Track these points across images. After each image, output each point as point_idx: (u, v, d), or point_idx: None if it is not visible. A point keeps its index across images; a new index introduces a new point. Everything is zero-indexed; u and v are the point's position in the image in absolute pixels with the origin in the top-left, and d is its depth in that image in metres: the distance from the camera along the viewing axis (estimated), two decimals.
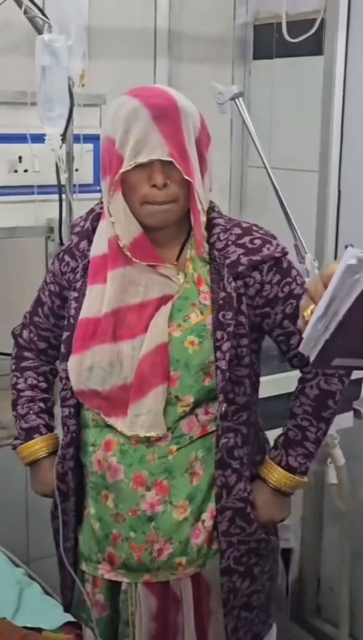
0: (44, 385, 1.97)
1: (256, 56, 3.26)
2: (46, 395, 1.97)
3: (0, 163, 2.34)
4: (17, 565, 2.01)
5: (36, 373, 1.97)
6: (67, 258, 1.85)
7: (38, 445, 1.92)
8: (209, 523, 1.79)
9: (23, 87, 2.26)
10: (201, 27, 3.17)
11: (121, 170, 1.64)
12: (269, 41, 3.14)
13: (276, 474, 1.83)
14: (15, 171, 2.35)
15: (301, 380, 1.86)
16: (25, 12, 2.12)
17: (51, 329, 1.93)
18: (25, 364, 1.98)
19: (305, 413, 1.83)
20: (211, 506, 1.79)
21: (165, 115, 1.63)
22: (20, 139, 2.26)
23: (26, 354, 1.99)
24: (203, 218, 1.74)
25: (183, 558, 1.78)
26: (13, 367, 2.00)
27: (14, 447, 1.97)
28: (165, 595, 1.82)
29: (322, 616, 3.23)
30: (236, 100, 2.58)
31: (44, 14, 2.16)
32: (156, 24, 3.06)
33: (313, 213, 2.99)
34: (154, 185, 1.66)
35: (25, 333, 1.99)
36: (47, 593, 1.92)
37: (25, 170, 2.35)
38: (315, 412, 1.83)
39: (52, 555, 1.97)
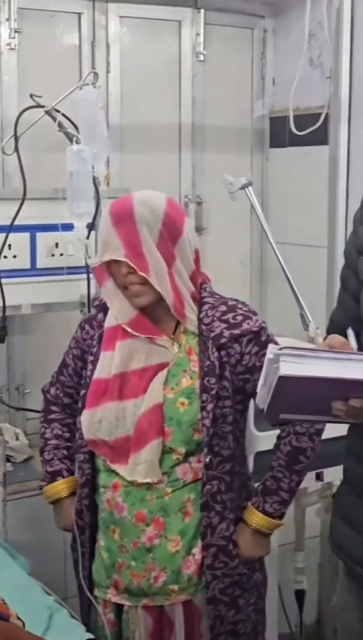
0: (67, 435, 2.27)
1: (272, 145, 3.57)
2: (68, 444, 2.27)
3: (41, 248, 2.70)
4: (49, 594, 2.30)
5: (61, 424, 2.28)
6: (87, 327, 2.18)
7: (61, 487, 2.23)
8: (198, 556, 2.05)
9: (57, 183, 2.62)
10: (221, 120, 3.48)
11: (92, 266, 2.02)
12: (283, 132, 3.44)
13: (256, 518, 2.09)
14: (53, 255, 2.71)
15: (277, 438, 2.12)
16: (59, 126, 2.50)
17: (75, 387, 2.23)
18: (52, 416, 2.29)
19: (279, 466, 2.08)
20: (200, 542, 2.05)
21: (121, 221, 1.96)
22: (56, 228, 2.63)
23: (53, 407, 2.29)
24: (170, 302, 2.00)
25: (175, 585, 2.05)
26: (42, 419, 2.31)
27: (40, 488, 2.27)
28: (160, 617, 2.08)
29: None
30: (247, 189, 2.88)
31: (75, 127, 2.54)
32: (180, 119, 3.38)
33: (324, 284, 3.29)
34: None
35: (52, 390, 2.29)
36: (73, 617, 2.21)
37: (61, 254, 2.72)
38: (288, 466, 2.08)
39: None
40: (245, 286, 3.62)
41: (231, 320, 2.04)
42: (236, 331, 2.03)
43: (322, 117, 3.21)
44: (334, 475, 2.49)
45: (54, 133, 2.66)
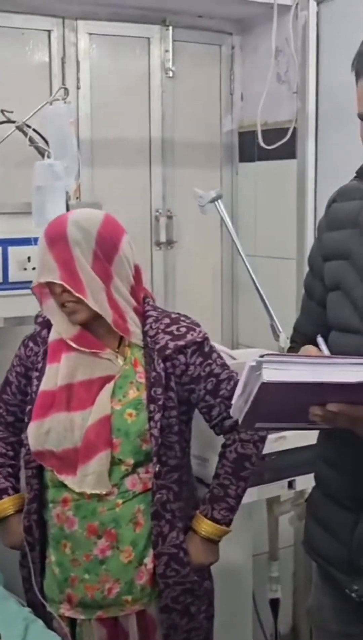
0: (11, 453, 2.27)
1: (242, 159, 3.62)
2: (13, 462, 2.27)
3: (13, 262, 2.71)
4: (24, 606, 2.31)
5: (5, 443, 2.27)
6: (31, 344, 2.20)
7: (6, 505, 2.23)
8: (150, 566, 2.08)
9: (28, 197, 2.61)
10: (191, 135, 3.53)
11: (31, 286, 2.07)
12: (251, 146, 3.50)
13: (204, 525, 2.12)
14: (25, 269, 2.72)
15: (223, 446, 2.15)
16: (30, 141, 2.53)
17: (18, 405, 2.24)
18: None
19: (226, 473, 2.13)
20: (152, 551, 2.08)
21: (55, 244, 2.00)
22: (28, 242, 2.64)
23: None
24: (109, 320, 2.04)
25: (129, 596, 2.07)
26: None
27: None
28: (115, 629, 2.11)
29: None
30: (216, 202, 2.92)
31: (45, 141, 2.56)
32: (150, 134, 3.42)
33: (294, 296, 3.32)
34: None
35: None
36: (49, 628, 2.22)
37: (33, 268, 2.73)
38: (234, 473, 2.12)
39: None
40: (216, 298, 3.66)
41: (176, 332, 2.09)
42: (181, 342, 2.08)
43: (290, 131, 3.27)
44: (306, 483, 2.52)
45: (25, 148, 2.69)
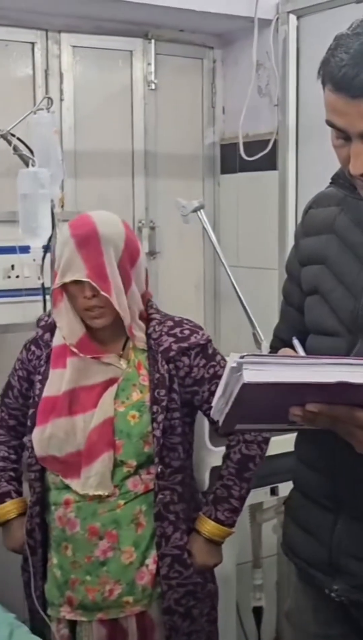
0: (14, 457, 2.28)
1: (223, 171, 3.66)
2: (15, 466, 2.27)
3: None
4: (9, 612, 2.31)
5: (7, 447, 2.28)
6: (33, 348, 2.20)
7: (9, 508, 2.23)
8: (152, 567, 2.08)
9: (12, 206, 2.64)
10: (173, 147, 3.56)
11: (52, 288, 2.03)
12: (233, 158, 3.54)
13: (208, 526, 2.13)
14: (9, 277, 2.74)
15: (227, 447, 2.16)
16: (14, 150, 2.55)
17: (20, 408, 2.24)
18: None
19: (229, 474, 2.13)
20: (154, 553, 2.08)
21: (86, 243, 1.99)
22: (12, 250, 2.67)
23: None
24: (127, 322, 2.05)
25: (130, 597, 2.07)
26: None
27: None
28: (114, 630, 2.11)
29: None
30: (199, 212, 2.93)
31: (30, 150, 2.59)
32: (133, 146, 3.45)
33: (275, 305, 3.35)
34: (85, 297, 2.01)
35: None
36: (34, 633, 2.22)
37: (17, 276, 2.75)
38: (238, 474, 2.13)
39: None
40: (199, 308, 3.68)
41: (179, 334, 2.10)
42: (185, 344, 2.09)
43: (271, 143, 3.31)
44: (289, 489, 2.53)
45: (8, 157, 2.71)
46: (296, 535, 1.83)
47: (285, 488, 2.57)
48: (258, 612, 3.07)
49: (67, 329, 2.08)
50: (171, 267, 3.58)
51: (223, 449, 2.43)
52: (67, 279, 2.01)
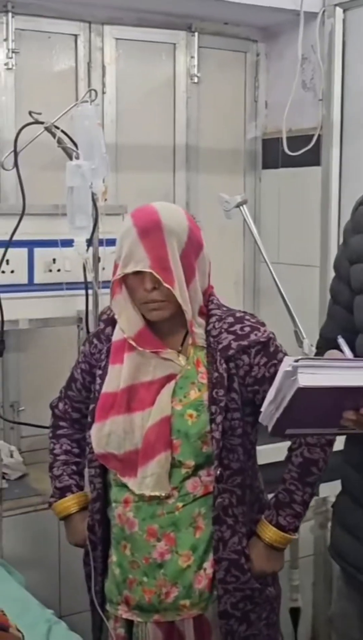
0: (76, 450, 2.24)
1: (265, 166, 3.62)
2: (78, 460, 2.24)
3: (38, 264, 2.71)
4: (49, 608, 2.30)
5: (70, 440, 2.24)
6: (95, 341, 2.15)
7: (70, 502, 2.19)
8: (210, 571, 2.02)
9: (55, 199, 2.64)
10: (215, 142, 3.53)
11: (114, 278, 1.97)
12: (275, 153, 3.51)
13: (269, 532, 2.05)
14: (50, 270, 2.72)
15: (288, 450, 2.08)
16: (58, 142, 2.53)
17: (83, 401, 2.20)
18: (60, 432, 2.26)
19: (292, 479, 2.05)
20: (211, 556, 2.02)
21: (149, 233, 1.92)
22: (54, 244, 2.64)
23: (61, 423, 2.26)
24: (189, 316, 1.98)
25: (187, 601, 2.02)
26: (50, 435, 2.28)
27: (49, 505, 2.24)
28: (170, 632, 2.06)
29: None
30: (241, 207, 2.90)
31: (74, 143, 2.57)
32: (175, 140, 3.43)
33: (316, 303, 3.32)
34: (145, 289, 1.95)
35: (61, 405, 2.26)
36: (72, 630, 2.20)
37: (58, 270, 2.73)
38: (300, 478, 2.04)
39: (82, 611, 2.27)
40: (238, 305, 3.62)
41: (239, 332, 2.02)
42: (244, 342, 2.00)
43: (315, 138, 3.28)
44: (329, 490, 2.49)
45: (51, 151, 2.69)
46: (344, 540, 1.80)
47: (325, 488, 2.55)
48: (295, 613, 3.04)
49: (126, 321, 2.03)
50: (211, 262, 3.53)
51: (268, 447, 2.39)
52: (129, 270, 1.95)
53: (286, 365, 1.48)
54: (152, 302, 1.97)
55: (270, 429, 1.55)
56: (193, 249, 2.00)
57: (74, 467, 2.24)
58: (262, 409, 1.54)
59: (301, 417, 1.56)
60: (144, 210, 2.01)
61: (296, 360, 1.46)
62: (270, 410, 1.53)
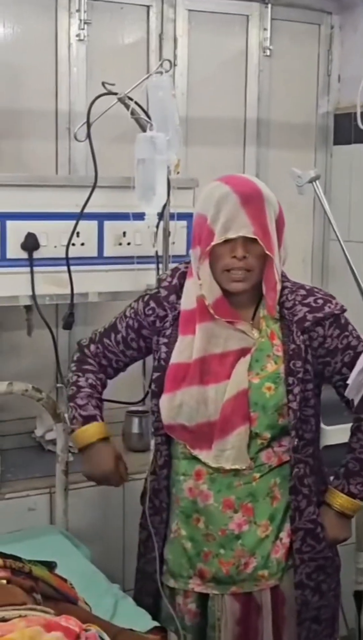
0: (100, 388, 2.19)
1: (337, 142, 3.56)
2: (101, 397, 2.19)
3: (108, 237, 2.69)
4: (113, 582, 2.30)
5: (96, 377, 2.19)
6: (152, 304, 2.12)
7: (94, 430, 2.11)
8: (286, 540, 2.06)
9: (127, 172, 2.60)
10: (286, 116, 3.48)
11: (213, 243, 1.94)
12: (348, 129, 3.44)
13: (339, 499, 2.09)
14: (120, 244, 2.70)
15: (356, 420, 2.10)
16: (132, 114, 2.50)
17: (117, 354, 2.18)
18: (87, 367, 2.20)
19: (361, 447, 2.08)
20: (288, 526, 2.06)
21: (251, 200, 1.94)
22: (124, 217, 2.62)
23: (90, 360, 2.21)
24: (279, 286, 2.02)
25: (265, 571, 2.06)
26: (74, 368, 2.21)
27: (72, 431, 2.16)
28: (248, 603, 2.09)
29: None
30: (314, 183, 2.85)
31: (147, 115, 2.53)
32: (246, 114, 3.39)
33: None
34: (234, 257, 1.95)
35: (92, 347, 2.21)
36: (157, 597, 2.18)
37: (128, 243, 2.71)
38: None
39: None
40: (306, 283, 3.58)
41: (313, 304, 2.05)
42: (320, 314, 2.04)
43: None
44: None
45: (121, 123, 2.66)
46: None
47: None
48: (359, 596, 3.00)
49: (207, 288, 2.02)
50: None
51: (336, 427, 2.39)
52: (232, 235, 1.94)
53: None
54: (239, 270, 1.97)
55: (356, 402, 1.51)
56: (281, 220, 2.03)
57: (97, 402, 2.18)
58: (350, 381, 1.51)
59: None
60: (238, 178, 2.05)
61: None
62: (359, 381, 1.49)
